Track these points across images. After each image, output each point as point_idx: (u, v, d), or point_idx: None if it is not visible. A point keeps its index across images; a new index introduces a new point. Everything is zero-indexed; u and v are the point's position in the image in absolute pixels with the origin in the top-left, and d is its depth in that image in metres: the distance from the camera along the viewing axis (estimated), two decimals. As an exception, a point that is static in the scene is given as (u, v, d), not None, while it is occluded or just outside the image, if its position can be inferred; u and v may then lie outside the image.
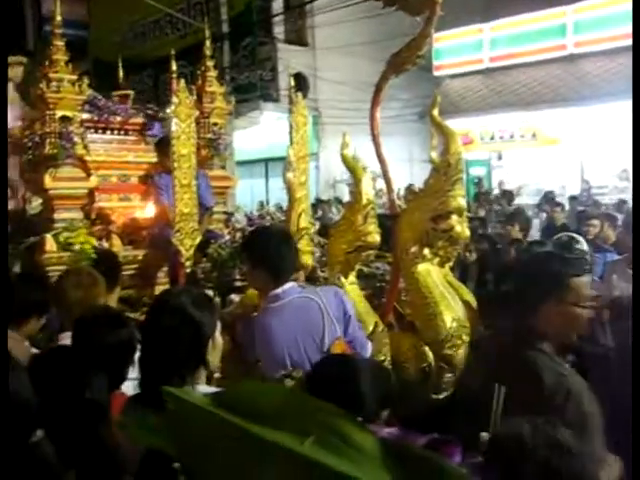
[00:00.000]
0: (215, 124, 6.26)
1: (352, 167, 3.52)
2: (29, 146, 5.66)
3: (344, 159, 3.55)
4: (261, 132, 17.80)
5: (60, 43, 5.48)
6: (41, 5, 21.53)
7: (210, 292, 4.45)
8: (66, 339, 2.86)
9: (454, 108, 17.48)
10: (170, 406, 1.07)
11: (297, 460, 1.01)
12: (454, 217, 3.49)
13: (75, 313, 2.93)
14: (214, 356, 2.12)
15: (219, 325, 2.15)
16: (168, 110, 4.52)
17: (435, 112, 3.48)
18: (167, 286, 4.98)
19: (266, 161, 18.65)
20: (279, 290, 2.83)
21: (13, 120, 6.24)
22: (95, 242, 4.94)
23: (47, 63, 5.46)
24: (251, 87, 16.47)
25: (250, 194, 17.87)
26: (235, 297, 4.43)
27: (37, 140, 5.47)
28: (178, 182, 4.55)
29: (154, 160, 6.24)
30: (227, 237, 4.43)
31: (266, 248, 2.87)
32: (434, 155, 3.63)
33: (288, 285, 2.86)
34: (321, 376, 2.28)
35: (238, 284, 4.58)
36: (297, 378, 2.60)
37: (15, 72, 6.65)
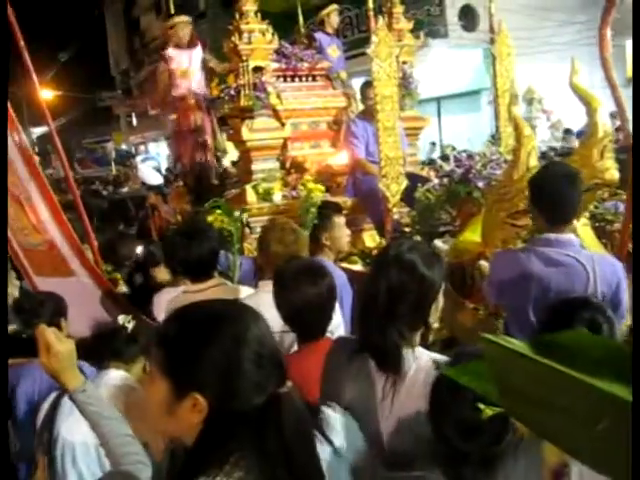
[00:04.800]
0: (404, 62, 6.02)
1: (586, 96, 3.14)
2: (225, 100, 5.75)
3: (575, 88, 3.19)
4: (430, 70, 17.20)
5: (247, -8, 5.45)
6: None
7: (417, 238, 4.32)
8: (264, 287, 2.95)
9: None
10: (490, 352, 1.00)
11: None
12: None
13: (275, 265, 2.98)
14: (434, 317, 2.04)
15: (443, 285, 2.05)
16: (367, 50, 4.33)
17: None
18: (372, 233, 4.90)
19: (438, 100, 18.03)
20: (553, 236, 2.58)
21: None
22: (322, 190, 4.88)
23: (237, 16, 5.47)
24: (418, 24, 15.88)
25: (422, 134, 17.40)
26: (438, 243, 4.25)
27: (232, 93, 5.53)
28: (381, 125, 4.38)
29: (343, 105, 6.15)
30: (436, 181, 4.21)
31: (547, 187, 2.61)
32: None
33: (567, 236, 2.59)
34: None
35: (442, 229, 4.39)
36: None
37: (184, 33, 6.75)
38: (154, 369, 1.36)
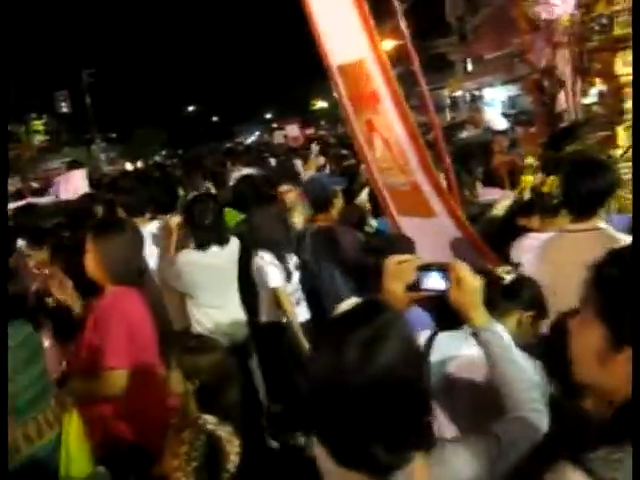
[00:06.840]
0: None
1: None
2: (592, 31, 5.24)
3: None
4: None
5: None
6: None
7: None
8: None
9: None
10: None
11: None
12: None
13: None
14: None
15: None
16: None
17: None
18: None
19: None
20: None
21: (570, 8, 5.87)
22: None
23: None
24: None
25: None
26: None
27: (604, 22, 5.01)
28: None
29: None
30: None
31: None
32: None
33: None
34: None
35: None
36: None
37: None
38: (589, 314, 1.24)
